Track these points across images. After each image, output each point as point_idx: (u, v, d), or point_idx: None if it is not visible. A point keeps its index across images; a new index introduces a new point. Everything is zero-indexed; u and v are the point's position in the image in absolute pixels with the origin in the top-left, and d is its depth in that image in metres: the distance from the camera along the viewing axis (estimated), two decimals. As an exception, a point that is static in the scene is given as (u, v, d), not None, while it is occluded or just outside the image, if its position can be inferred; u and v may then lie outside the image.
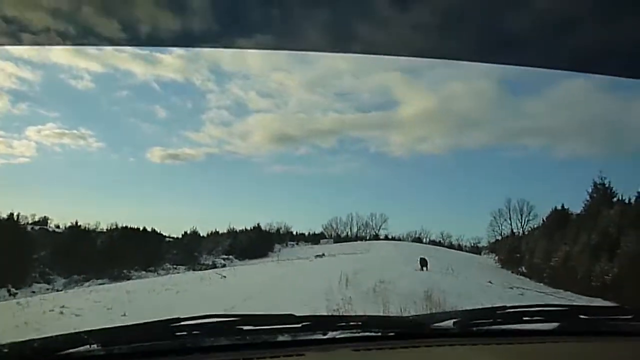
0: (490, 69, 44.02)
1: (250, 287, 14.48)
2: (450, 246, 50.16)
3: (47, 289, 24.28)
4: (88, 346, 1.55)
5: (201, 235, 47.37)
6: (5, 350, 1.53)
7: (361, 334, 1.79)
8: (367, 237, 51.41)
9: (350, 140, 54.04)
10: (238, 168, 52.51)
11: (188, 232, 46.48)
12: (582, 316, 1.99)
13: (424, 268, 24.85)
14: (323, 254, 33.77)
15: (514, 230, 43.58)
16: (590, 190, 25.18)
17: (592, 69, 2.76)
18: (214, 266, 38.94)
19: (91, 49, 47.48)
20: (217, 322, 1.71)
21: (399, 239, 50.58)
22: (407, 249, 38.75)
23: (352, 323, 1.84)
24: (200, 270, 35.97)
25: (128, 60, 48.89)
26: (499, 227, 44.19)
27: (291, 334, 1.74)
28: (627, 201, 23.69)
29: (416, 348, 1.76)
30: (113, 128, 53.03)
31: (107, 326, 1.69)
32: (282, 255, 41.66)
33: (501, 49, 2.48)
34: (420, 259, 26.16)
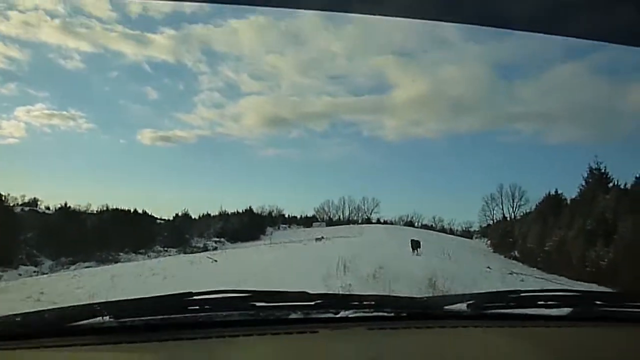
0: (484, 52, 43.49)
1: (243, 273, 13.77)
2: (442, 230, 50.44)
3: (34, 272, 23.58)
4: (100, 318, 1.53)
5: (193, 217, 47.18)
6: (18, 319, 1.53)
7: (374, 314, 1.76)
8: (359, 221, 51.45)
9: (343, 124, 53.78)
10: (230, 151, 52.29)
11: (179, 214, 46.25)
12: (597, 302, 1.92)
13: (416, 250, 24.44)
14: (322, 237, 33.02)
15: (506, 215, 44.05)
16: (585, 175, 24.66)
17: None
18: (206, 249, 38.35)
19: (81, 28, 46.84)
20: (230, 297, 1.69)
21: (391, 223, 50.78)
22: (400, 232, 38.31)
23: (364, 302, 1.78)
24: (191, 252, 35.45)
25: (118, 40, 47.82)
26: (490, 211, 44.83)
27: (304, 311, 1.69)
28: (622, 186, 23.30)
29: (430, 329, 1.73)
30: (103, 109, 52.26)
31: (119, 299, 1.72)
32: (274, 238, 41.28)
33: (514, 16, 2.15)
34: (412, 240, 25.72)
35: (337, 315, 1.69)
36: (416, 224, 53.00)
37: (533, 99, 41.42)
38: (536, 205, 33.37)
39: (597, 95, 37.30)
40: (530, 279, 18.67)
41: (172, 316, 1.60)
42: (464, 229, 51.15)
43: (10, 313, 1.51)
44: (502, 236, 33.64)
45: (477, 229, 48.65)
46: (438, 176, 54.21)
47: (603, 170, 24.02)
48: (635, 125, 37.67)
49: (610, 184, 23.73)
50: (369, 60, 47.28)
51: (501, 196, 43.84)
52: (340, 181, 58.98)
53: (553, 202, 30.31)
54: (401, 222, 52.29)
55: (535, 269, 26.15)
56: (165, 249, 36.38)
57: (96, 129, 49.20)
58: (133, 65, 46.16)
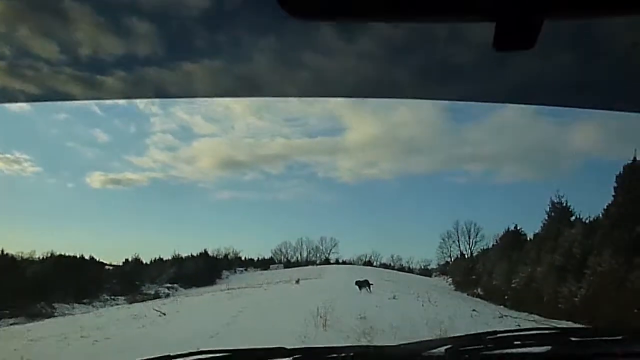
0: (433, 95, 43.12)
1: (198, 330, 11.62)
2: (401, 268, 48.82)
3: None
4: None
5: (144, 262, 44.16)
6: None
7: None
8: (318, 262, 49.40)
9: (299, 166, 50.73)
10: (184, 194, 49.13)
11: (129, 259, 43.05)
12: (573, 339, 1.94)
13: (367, 288, 23.91)
14: (298, 280, 30.62)
15: (464, 252, 42.63)
16: (547, 210, 23.74)
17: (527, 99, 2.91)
18: (157, 296, 35.37)
19: (27, 70, 43.58)
20: (208, 357, 1.73)
21: (350, 263, 48.80)
22: (360, 273, 36.61)
23: (343, 354, 1.74)
24: (142, 300, 32.55)
25: (67, 81, 44.84)
26: (447, 249, 43.52)
27: None
28: (585, 220, 22.51)
29: None
30: (50, 152, 48.58)
31: None
32: (230, 283, 38.90)
33: (445, 82, 2.60)
34: (358, 281, 25.09)
35: None
36: (375, 263, 51.26)
37: (481, 140, 41.17)
38: (496, 242, 32.38)
39: (541, 136, 36.98)
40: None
41: None
42: (423, 267, 49.62)
43: None
44: (465, 274, 32.33)
45: (435, 267, 47.29)
46: (393, 215, 51.51)
47: (565, 204, 23.31)
48: (578, 164, 37.98)
49: (573, 217, 23.01)
50: (323, 102, 45.49)
51: (457, 233, 42.39)
52: (297, 222, 56.15)
53: (513, 237, 29.27)
54: (360, 262, 50.49)
55: (502, 307, 24.85)
56: (113, 297, 33.17)
57: (42, 173, 45.61)
58: (82, 108, 43.34)
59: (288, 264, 49.54)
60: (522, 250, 25.01)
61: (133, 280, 37.45)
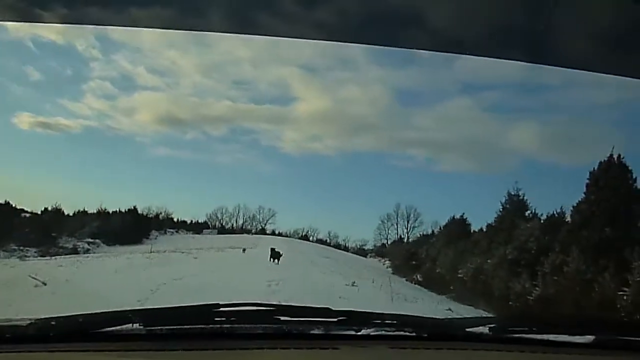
0: (386, 76, 41.34)
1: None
2: (337, 246, 46.56)
3: None
4: (130, 325, 1.49)
5: (66, 213, 39.79)
6: (52, 323, 1.49)
7: (395, 333, 1.71)
8: (253, 231, 46.60)
9: (242, 131, 48.29)
10: (119, 146, 44.60)
11: (49, 208, 38.70)
12: (616, 330, 1.91)
13: (276, 260, 22.13)
14: (244, 250, 27.39)
15: (402, 236, 41.82)
16: (503, 201, 22.02)
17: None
18: (75, 251, 31.62)
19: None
20: (255, 310, 1.67)
21: (287, 236, 46.14)
22: (298, 246, 34.32)
23: (387, 321, 1.75)
24: (56, 254, 28.95)
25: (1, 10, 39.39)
26: (385, 231, 42.54)
27: (326, 327, 1.66)
28: (541, 216, 21.02)
29: (451, 350, 1.69)
30: (-25, 85, 42.91)
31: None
32: (158, 244, 35.69)
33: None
34: (272, 250, 23.23)
35: (359, 333, 1.66)
36: (311, 238, 49.44)
37: (428, 127, 40.51)
38: (440, 228, 30.78)
39: (485, 131, 36.75)
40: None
41: (199, 326, 1.58)
42: (358, 246, 47.83)
43: (45, 317, 1.47)
44: (405, 258, 30.56)
45: (371, 248, 45.55)
46: (334, 192, 50.17)
47: (522, 197, 21.70)
48: (518, 161, 38.14)
49: (528, 212, 21.48)
50: (274, 69, 43.89)
51: (397, 216, 41.61)
52: (236, 188, 53.53)
53: (459, 226, 27.65)
54: (296, 235, 48.47)
55: (443, 296, 23.18)
56: (23, 248, 29.18)
57: (-36, 108, 40.06)
58: (15, 41, 37.90)
59: (222, 230, 46.60)
60: (469, 241, 23.26)
61: (50, 232, 33.45)
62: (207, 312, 1.62)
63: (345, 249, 46.63)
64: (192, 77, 46.11)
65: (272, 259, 22.47)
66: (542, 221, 19.64)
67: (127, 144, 44.83)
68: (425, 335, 1.73)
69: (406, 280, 29.20)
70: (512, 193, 21.67)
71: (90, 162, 46.97)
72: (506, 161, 39.76)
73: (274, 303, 1.73)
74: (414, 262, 30.09)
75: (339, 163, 44.83)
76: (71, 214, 39.70)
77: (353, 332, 1.64)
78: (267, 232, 46.90)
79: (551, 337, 1.73)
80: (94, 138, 42.80)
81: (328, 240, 48.79)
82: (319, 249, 33.23)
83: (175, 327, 1.51)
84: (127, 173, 48.60)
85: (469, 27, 2.11)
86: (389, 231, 42.43)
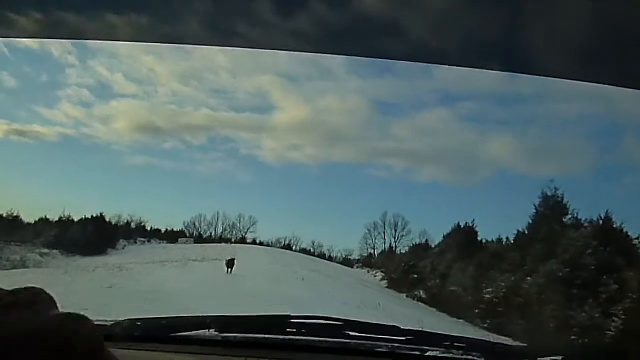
0: (364, 87, 40.09)
1: None
2: (321, 256, 41.95)
3: None
4: (207, 331, 1.50)
5: (24, 222, 33.93)
6: (138, 324, 1.53)
7: (463, 357, 1.53)
8: (233, 240, 41.68)
9: (222, 140, 46.36)
10: (95, 154, 40.07)
11: (4, 215, 32.79)
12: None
13: (230, 270, 19.67)
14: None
15: (392, 246, 37.14)
16: (537, 204, 17.06)
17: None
18: (22, 264, 25.73)
19: None
20: (324, 324, 1.64)
21: (268, 245, 41.46)
22: (282, 257, 28.92)
23: (455, 344, 1.57)
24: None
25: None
26: (372, 240, 38.63)
27: (394, 345, 1.56)
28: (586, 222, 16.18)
29: None
30: (-53, 92, 37.30)
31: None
32: (124, 254, 30.07)
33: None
34: (229, 260, 20.67)
35: (426, 354, 1.54)
36: (294, 247, 44.73)
37: (405, 137, 38.93)
38: (443, 237, 25.74)
39: (462, 141, 34.96)
40: None
41: (273, 336, 1.54)
42: (344, 256, 43.23)
43: (132, 318, 1.51)
44: (404, 271, 25.39)
45: (357, 258, 41.14)
46: (315, 201, 47.11)
47: (560, 200, 16.78)
48: (494, 173, 35.57)
49: (569, 217, 16.57)
50: (253, 78, 41.01)
51: (384, 225, 37.44)
52: (216, 197, 49.63)
53: (467, 237, 22.75)
54: (278, 245, 43.73)
55: (460, 320, 18.10)
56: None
57: None
58: (-11, 47, 32.88)
59: (200, 239, 41.12)
60: (491, 253, 18.27)
61: (-3, 240, 27.51)
62: (280, 323, 1.58)
63: (330, 259, 42.14)
64: (170, 85, 42.97)
65: (228, 270, 19.77)
66: (593, 229, 14.77)
67: (103, 152, 40.59)
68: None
69: (407, 297, 24.09)
70: (549, 194, 16.66)
71: (65, 170, 43.68)
72: (484, 171, 37.90)
73: (343, 318, 1.54)
74: (414, 277, 24.97)
75: (318, 172, 42.55)
76: (32, 223, 34.39)
77: (419, 353, 1.52)
78: (248, 241, 42.52)
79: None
80: (70, 146, 39.25)
81: (312, 250, 44.25)
82: (305, 261, 27.98)
83: (249, 335, 1.50)
84: (103, 182, 43.68)
85: (447, 37, 2.01)
86: (376, 240, 38.59)
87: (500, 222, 29.35)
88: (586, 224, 15.69)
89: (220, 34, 2.20)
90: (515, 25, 1.92)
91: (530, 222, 16.90)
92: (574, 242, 13.91)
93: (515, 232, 17.67)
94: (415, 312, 18.08)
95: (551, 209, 16.31)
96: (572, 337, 12.06)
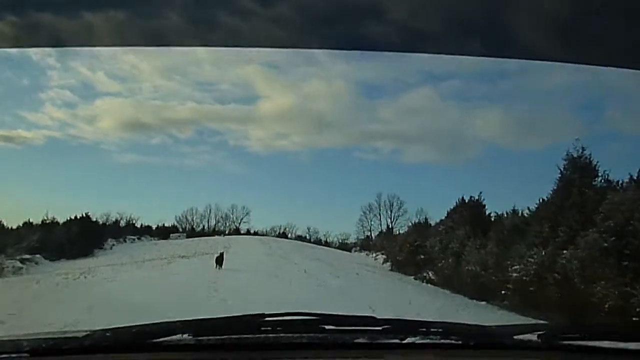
0: (348, 70, 37.62)
1: None
2: (317, 241, 40.29)
3: None
4: (180, 335, 1.45)
5: (7, 227, 31.33)
6: (108, 334, 1.45)
7: (441, 341, 1.52)
8: (227, 232, 39.41)
9: (209, 132, 45.53)
10: (83, 155, 37.83)
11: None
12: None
13: (219, 266, 17.90)
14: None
15: (389, 226, 35.43)
16: (562, 167, 14.62)
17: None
18: (1, 271, 23.06)
19: None
20: (300, 319, 1.58)
21: (263, 234, 39.18)
22: (279, 247, 26.45)
23: (432, 329, 1.55)
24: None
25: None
26: (368, 222, 36.86)
27: (371, 335, 1.52)
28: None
29: (498, 359, 1.53)
30: None
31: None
32: (112, 254, 27.65)
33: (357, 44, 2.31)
34: (218, 256, 18.58)
35: (404, 342, 1.50)
36: (289, 235, 42.82)
37: (391, 119, 37.70)
38: (447, 214, 23.36)
39: (450, 119, 34.26)
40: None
41: (246, 336, 1.50)
42: (341, 241, 41.15)
43: (101, 328, 1.42)
44: (409, 252, 23.03)
45: (354, 241, 39.42)
46: (306, 188, 45.87)
47: (589, 161, 14.38)
48: (481, 149, 34.87)
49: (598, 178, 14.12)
50: (237, 68, 39.72)
51: (379, 206, 35.80)
52: (207, 190, 47.90)
53: (474, 211, 20.39)
54: (273, 233, 41.72)
55: (482, 303, 15.80)
56: None
57: None
58: (-33, 54, 30.22)
59: (192, 233, 38.72)
60: (512, 229, 15.88)
61: (-28, 249, 24.72)
62: (253, 322, 1.52)
63: (327, 244, 40.15)
64: (153, 80, 40.81)
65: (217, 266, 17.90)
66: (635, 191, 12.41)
67: (91, 152, 38.58)
68: (472, 343, 1.53)
69: (414, 279, 21.79)
70: (575, 155, 14.20)
71: (53, 173, 40.73)
72: (472, 149, 36.73)
73: (318, 312, 1.46)
74: (421, 257, 22.63)
75: (308, 159, 41.70)
76: (14, 228, 31.77)
77: (398, 341, 1.47)
78: (242, 231, 40.21)
79: (606, 344, 1.44)
80: (57, 148, 36.79)
81: (307, 237, 42.39)
82: (304, 249, 25.54)
83: (223, 337, 1.44)
84: (93, 182, 41.70)
85: (428, 22, 1.98)
86: (372, 222, 36.94)
87: (501, 196, 27.39)
88: (622, 185, 13.32)
89: (201, 25, 2.03)
90: (495, 7, 1.84)
91: (555, 188, 14.40)
92: (617, 206, 11.51)
93: (540, 200, 15.16)
94: (439, 299, 15.89)
95: (579, 172, 13.86)
96: (634, 318, 9.71)
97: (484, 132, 33.18)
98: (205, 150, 44.06)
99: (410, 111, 34.50)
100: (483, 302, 15.33)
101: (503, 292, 13.67)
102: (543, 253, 12.93)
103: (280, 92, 37.20)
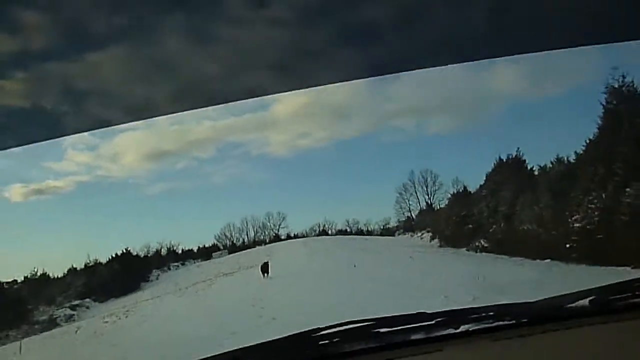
0: (356, 56, 36.63)
1: None
2: (359, 232, 38.78)
3: None
4: None
5: (52, 276, 31.20)
6: None
7: (495, 324, 1.52)
8: (267, 240, 38.47)
9: (230, 146, 43.78)
10: (114, 193, 38.31)
11: (29, 276, 30.22)
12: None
13: (265, 274, 17.99)
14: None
15: (428, 202, 33.83)
16: (605, 101, 13.25)
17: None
18: (52, 323, 23.05)
19: None
20: (354, 327, 1.56)
21: (303, 235, 38.03)
22: (319, 244, 25.75)
23: (483, 314, 1.54)
24: (24, 336, 20.43)
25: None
26: (406, 202, 35.11)
27: (426, 330, 1.52)
28: None
29: (555, 332, 1.46)
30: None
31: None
32: (158, 285, 27.44)
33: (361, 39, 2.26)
34: (262, 265, 18.56)
35: (459, 330, 1.51)
36: (330, 231, 41.84)
37: (408, 94, 35.53)
38: (487, 176, 22.00)
39: (465, 83, 31.29)
40: None
41: (306, 352, 1.50)
42: (382, 227, 39.69)
43: None
44: (456, 224, 21.91)
45: (396, 224, 37.88)
46: (338, 181, 44.36)
47: (633, 88, 12.91)
48: (501, 108, 32.70)
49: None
50: (245, 78, 38.03)
51: (414, 184, 34.19)
52: (240, 203, 45.90)
53: (517, 168, 19.14)
54: (313, 233, 40.80)
55: (546, 261, 14.66)
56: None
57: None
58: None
59: (233, 248, 38.24)
60: (561, 177, 14.63)
61: (24, 303, 24.91)
62: (310, 337, 1.49)
63: (369, 232, 38.89)
64: (167, 106, 40.37)
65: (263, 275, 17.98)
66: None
67: (121, 188, 38.88)
68: (526, 320, 1.51)
69: (467, 250, 20.68)
70: (616, 86, 12.84)
71: (89, 216, 41.59)
72: (495, 107, 35.53)
73: (370, 317, 1.43)
74: (469, 227, 21.46)
75: (333, 153, 40.10)
76: (60, 276, 32.00)
77: (453, 331, 1.48)
78: (282, 237, 39.46)
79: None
80: (87, 191, 36.65)
81: (348, 229, 41.50)
82: (348, 242, 24.82)
83: (283, 357, 1.44)
84: (127, 217, 41.69)
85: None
86: (410, 202, 35.29)
87: (537, 149, 26.48)
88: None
89: (203, 41, 2.04)
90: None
91: (602, 124, 13.11)
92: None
93: (586, 141, 13.89)
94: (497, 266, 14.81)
95: (625, 102, 12.54)
96: None
97: (503, 88, 31.64)
98: (230, 165, 42.69)
99: (425, 82, 33.46)
100: (547, 260, 14.20)
101: (568, 245, 12.45)
102: (603, 196, 11.71)
103: (291, 92, 36.30)
